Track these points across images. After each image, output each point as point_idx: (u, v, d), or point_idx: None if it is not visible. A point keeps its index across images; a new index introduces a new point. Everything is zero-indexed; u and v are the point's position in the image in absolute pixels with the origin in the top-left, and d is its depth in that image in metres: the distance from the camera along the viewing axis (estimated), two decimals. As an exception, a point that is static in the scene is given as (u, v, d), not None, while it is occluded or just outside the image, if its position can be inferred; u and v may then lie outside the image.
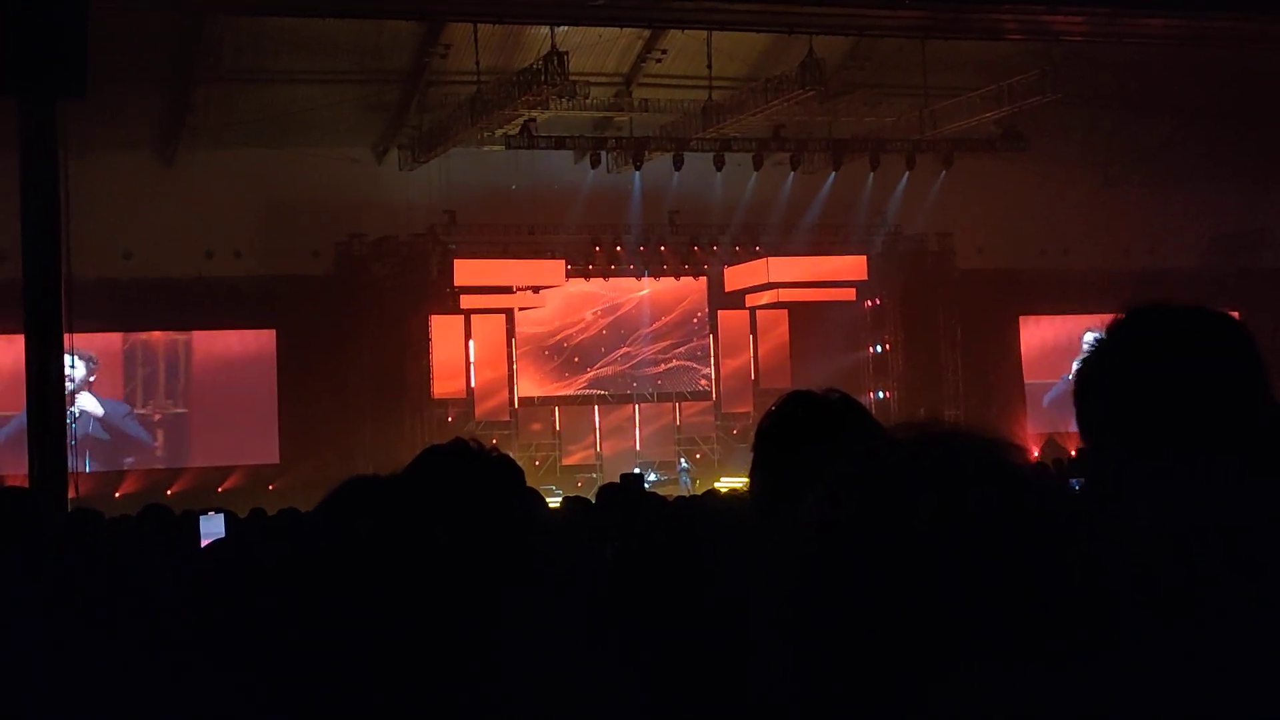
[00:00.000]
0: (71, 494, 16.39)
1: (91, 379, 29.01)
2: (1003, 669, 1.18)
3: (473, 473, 2.38)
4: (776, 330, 33.12)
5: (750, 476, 2.78)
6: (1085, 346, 2.06)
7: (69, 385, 28.16)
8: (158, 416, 29.65)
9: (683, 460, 31.50)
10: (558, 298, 31.34)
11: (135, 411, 29.39)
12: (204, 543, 9.45)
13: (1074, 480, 7.16)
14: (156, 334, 29.35)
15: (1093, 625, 1.23)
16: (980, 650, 1.19)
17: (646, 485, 18.11)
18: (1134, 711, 1.33)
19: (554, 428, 32.10)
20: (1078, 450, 23.49)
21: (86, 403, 28.49)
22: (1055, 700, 1.18)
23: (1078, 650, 1.21)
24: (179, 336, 29.49)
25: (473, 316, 30.79)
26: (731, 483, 25.91)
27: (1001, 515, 1.23)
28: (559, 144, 27.72)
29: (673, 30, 26.54)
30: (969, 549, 1.21)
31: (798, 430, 2.71)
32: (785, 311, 32.70)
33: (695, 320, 32.94)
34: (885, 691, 1.21)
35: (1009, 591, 1.21)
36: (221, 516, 10.73)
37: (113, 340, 28.85)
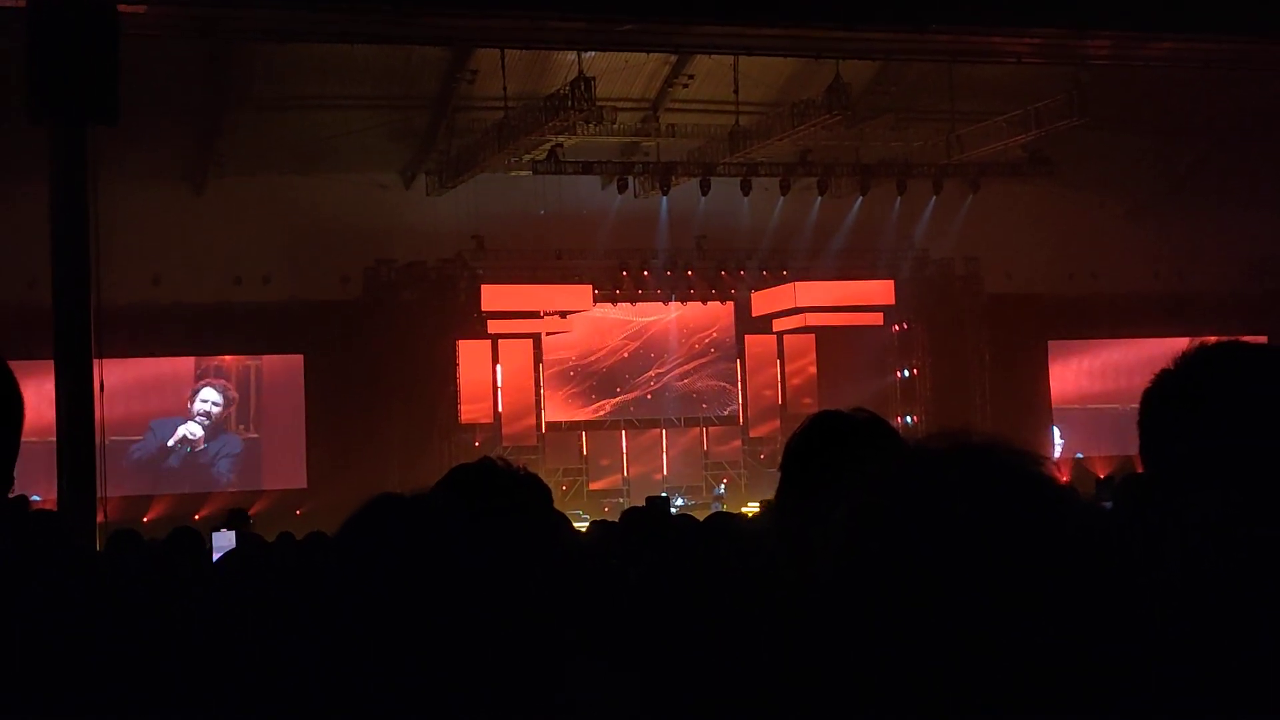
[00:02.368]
0: (100, 518, 16.44)
1: (228, 411, 29.50)
2: (1024, 669, 1.19)
3: (499, 491, 2.38)
4: (804, 355, 33.09)
5: (777, 496, 2.77)
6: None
7: (207, 422, 29.11)
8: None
9: (720, 487, 31.43)
10: (585, 323, 31.37)
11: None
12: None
13: (1104, 503, 7.13)
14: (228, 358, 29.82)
15: (1124, 639, 1.22)
16: (1011, 659, 1.19)
17: (673, 510, 18.11)
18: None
19: (581, 452, 32.11)
20: (1105, 475, 23.38)
21: (193, 432, 29.01)
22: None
23: (1112, 665, 1.21)
24: (250, 361, 29.97)
25: (500, 341, 30.83)
26: (759, 508, 25.83)
27: (1035, 526, 1.23)
28: (586, 169, 27.76)
29: (699, 56, 26.59)
30: (1003, 558, 1.21)
31: (826, 449, 2.71)
32: (813, 336, 32.66)
33: (722, 345, 32.92)
34: (914, 701, 1.21)
35: (1042, 603, 1.20)
36: (233, 534, 11.00)
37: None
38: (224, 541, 10.77)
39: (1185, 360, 2.04)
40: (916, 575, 1.23)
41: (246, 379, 30.00)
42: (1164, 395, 2.03)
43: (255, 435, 29.97)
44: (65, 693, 1.95)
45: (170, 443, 28.83)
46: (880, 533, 1.26)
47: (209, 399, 29.37)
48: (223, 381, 29.61)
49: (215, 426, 29.44)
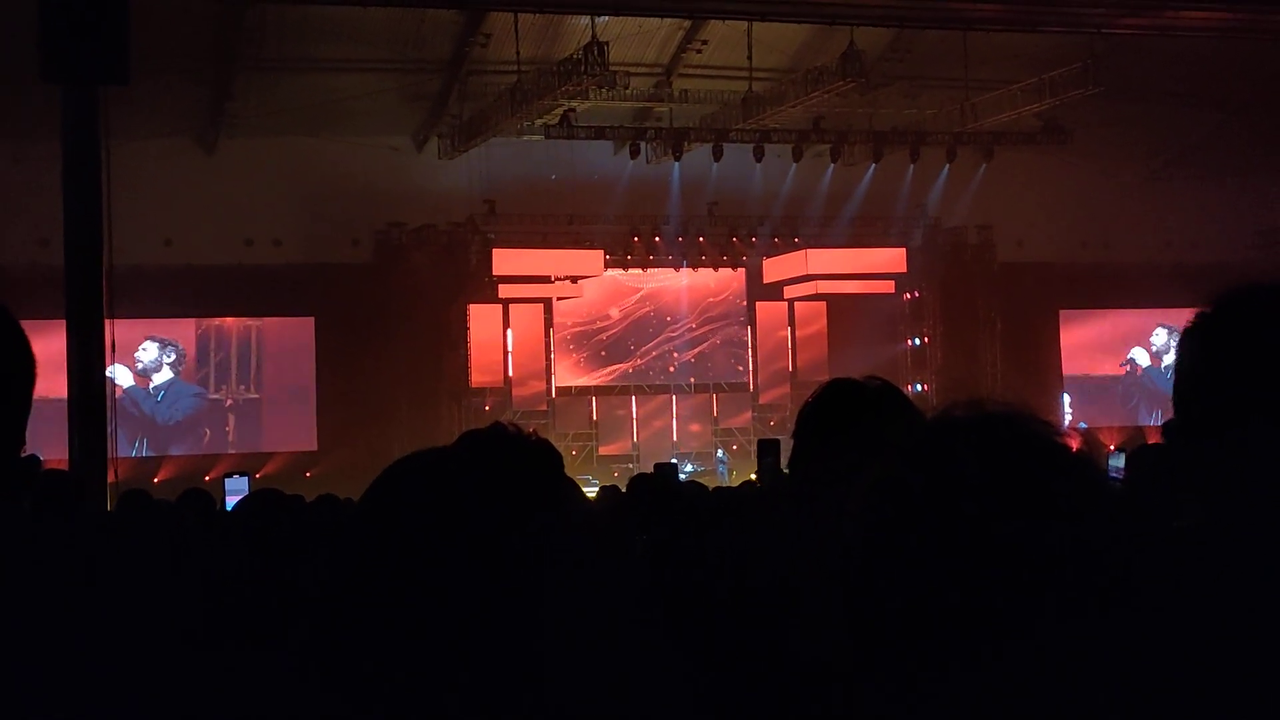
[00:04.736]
0: (111, 478, 16.49)
1: (167, 361, 29.45)
2: (1045, 636, 1.19)
3: (512, 457, 2.37)
4: (815, 322, 33.05)
5: (790, 462, 2.77)
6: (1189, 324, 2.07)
7: (139, 366, 29.02)
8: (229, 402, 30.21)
9: (720, 451, 31.49)
10: (596, 288, 31.36)
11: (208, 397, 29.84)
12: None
13: (1113, 473, 7.13)
14: (228, 320, 29.79)
15: (1142, 608, 1.23)
16: (1026, 617, 1.20)
17: (683, 476, 18.12)
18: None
19: (591, 418, 32.14)
20: (1116, 446, 23.37)
21: (119, 374, 28.83)
22: (1092, 667, 1.18)
23: (1112, 623, 1.21)
24: (252, 323, 29.95)
25: (511, 306, 30.83)
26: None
27: (1054, 496, 1.24)
28: (598, 134, 27.72)
29: (713, 21, 26.50)
30: (1021, 527, 1.22)
31: (839, 416, 2.71)
32: (824, 304, 32.63)
33: (733, 311, 32.90)
34: (935, 653, 1.21)
35: (1059, 570, 1.21)
36: (245, 479, 11.37)
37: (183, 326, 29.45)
38: (237, 487, 11.10)
39: (1226, 300, 2.02)
40: (935, 543, 1.23)
41: (247, 340, 30.02)
42: (1202, 337, 2.01)
43: (256, 396, 30.02)
44: (82, 655, 1.95)
45: None
46: (900, 500, 1.27)
47: (143, 347, 29.27)
48: (171, 336, 29.51)
49: (149, 374, 29.32)
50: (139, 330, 27.90)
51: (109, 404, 16.80)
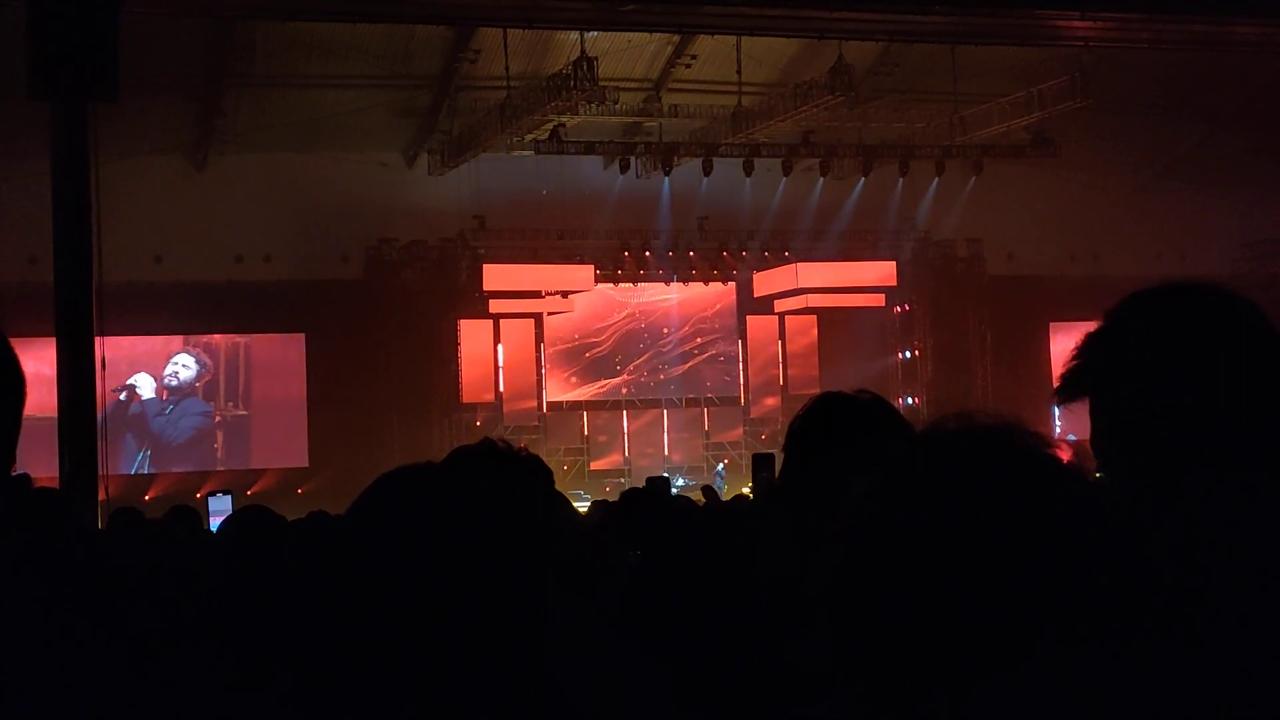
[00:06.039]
0: (101, 495, 16.45)
1: (198, 383, 29.45)
2: (1046, 658, 1.19)
3: (502, 471, 2.38)
4: (805, 336, 33.08)
5: (781, 476, 2.77)
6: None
7: (174, 383, 29.06)
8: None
9: (720, 466, 31.42)
10: (586, 303, 31.36)
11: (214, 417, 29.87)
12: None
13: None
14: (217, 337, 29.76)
15: (1133, 622, 1.23)
16: (1023, 639, 1.20)
17: (674, 490, 18.09)
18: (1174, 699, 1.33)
19: (582, 432, 32.12)
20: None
21: (141, 382, 28.82)
22: (1095, 688, 1.18)
23: (1122, 642, 1.21)
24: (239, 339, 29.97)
25: (502, 321, 30.83)
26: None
27: (1044, 510, 1.24)
28: (588, 149, 27.74)
29: (702, 36, 26.53)
30: (1011, 541, 1.22)
31: (829, 429, 2.71)
32: (814, 317, 32.66)
33: (724, 326, 32.91)
34: (924, 666, 1.21)
35: (1054, 584, 1.21)
36: (229, 497, 11.42)
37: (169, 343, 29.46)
38: (221, 506, 11.16)
39: (1126, 307, 1.98)
40: (923, 557, 1.23)
41: (235, 356, 29.97)
42: (1107, 345, 1.98)
43: (244, 412, 29.96)
44: (70, 669, 1.95)
45: (121, 396, 28.50)
46: (889, 514, 1.27)
47: (180, 362, 29.29)
48: (199, 351, 29.56)
49: (179, 392, 29.36)
50: (130, 344, 27.90)
51: (99, 420, 16.75)
